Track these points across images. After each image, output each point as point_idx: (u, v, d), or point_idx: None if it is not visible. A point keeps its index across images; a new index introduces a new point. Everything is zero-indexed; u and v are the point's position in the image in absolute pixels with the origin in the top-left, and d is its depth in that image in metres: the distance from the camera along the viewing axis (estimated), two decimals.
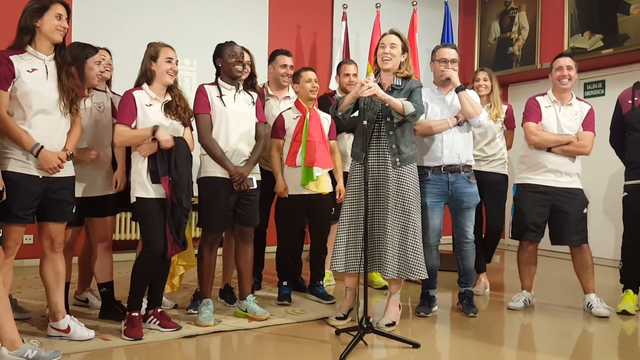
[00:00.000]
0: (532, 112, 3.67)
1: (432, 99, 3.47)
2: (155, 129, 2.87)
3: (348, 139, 4.02)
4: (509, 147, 4.20)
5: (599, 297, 3.61)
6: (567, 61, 3.63)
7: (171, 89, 3.05)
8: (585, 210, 3.62)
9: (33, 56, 2.63)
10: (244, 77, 3.56)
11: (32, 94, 2.58)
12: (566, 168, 3.59)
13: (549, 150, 3.59)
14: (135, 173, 2.93)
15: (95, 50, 3.19)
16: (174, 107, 3.00)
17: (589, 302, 3.60)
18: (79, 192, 2.97)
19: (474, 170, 3.53)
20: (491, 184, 3.98)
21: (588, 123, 3.61)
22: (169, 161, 2.87)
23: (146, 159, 2.89)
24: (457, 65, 3.46)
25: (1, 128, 2.54)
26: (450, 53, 3.45)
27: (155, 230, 2.89)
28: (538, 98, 3.72)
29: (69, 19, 2.70)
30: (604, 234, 5.42)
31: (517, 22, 6.40)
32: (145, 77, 3.00)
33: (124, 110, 2.92)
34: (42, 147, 2.57)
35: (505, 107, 4.11)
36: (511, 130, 4.17)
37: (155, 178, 2.86)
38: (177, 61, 3.04)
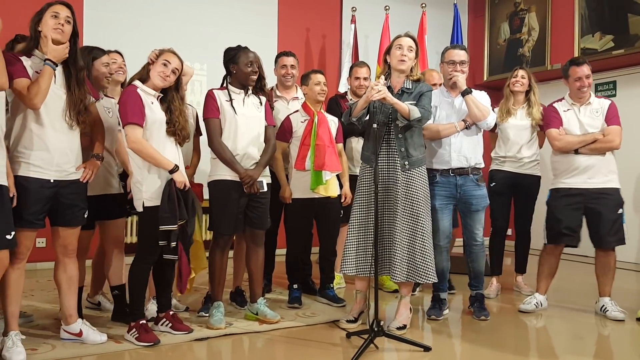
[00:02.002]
0: (552, 119, 3.64)
1: (441, 102, 3.46)
2: (175, 169, 2.85)
3: (357, 143, 4.02)
4: (540, 145, 4.14)
5: (613, 301, 3.57)
6: (585, 71, 3.55)
7: (170, 101, 2.94)
8: (620, 211, 3.54)
9: (40, 60, 2.63)
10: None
11: None
12: (598, 167, 3.52)
13: (576, 152, 3.53)
14: (143, 180, 2.85)
15: (102, 52, 3.20)
16: (173, 122, 2.91)
17: (603, 306, 3.57)
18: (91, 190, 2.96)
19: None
20: (523, 187, 3.97)
21: (611, 117, 3.53)
22: (186, 205, 2.87)
23: (151, 169, 2.85)
24: (466, 66, 3.45)
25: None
26: (460, 55, 3.44)
27: (154, 237, 2.87)
28: (555, 104, 3.69)
29: (74, 20, 2.68)
30: (629, 236, 5.33)
31: (527, 23, 6.37)
32: (144, 71, 2.94)
33: (134, 108, 2.81)
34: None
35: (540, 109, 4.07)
36: (544, 132, 4.12)
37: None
38: (177, 69, 2.92)
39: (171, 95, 2.97)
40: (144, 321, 2.91)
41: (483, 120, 3.35)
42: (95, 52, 3.17)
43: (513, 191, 3.70)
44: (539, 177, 4.08)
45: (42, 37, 2.62)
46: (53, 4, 2.65)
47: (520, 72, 4.09)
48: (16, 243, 2.50)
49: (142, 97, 2.86)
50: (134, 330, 2.87)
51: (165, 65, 2.89)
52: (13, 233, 2.45)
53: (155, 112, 2.88)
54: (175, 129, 2.92)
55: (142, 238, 2.97)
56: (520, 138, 3.97)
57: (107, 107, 3.19)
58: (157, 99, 2.92)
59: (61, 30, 2.63)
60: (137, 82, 2.92)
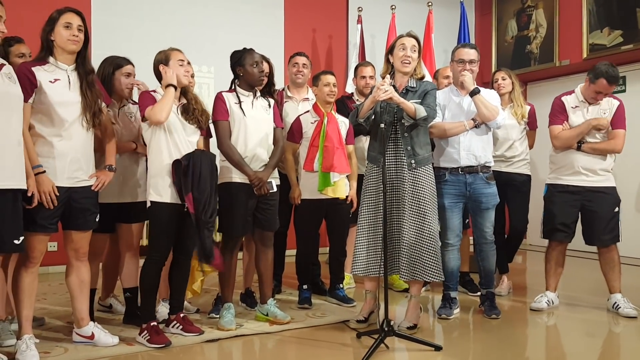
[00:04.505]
0: (556, 115, 3.62)
1: (450, 101, 3.45)
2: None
3: (365, 141, 4.01)
4: (530, 146, 4.16)
5: (625, 297, 3.55)
6: (610, 90, 3.48)
7: (185, 92, 3.04)
8: (616, 210, 3.55)
9: (55, 67, 2.67)
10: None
11: (56, 104, 2.62)
12: (597, 167, 3.52)
13: (578, 148, 3.52)
14: (151, 176, 2.92)
15: (126, 61, 3.21)
16: (192, 110, 2.99)
17: (615, 302, 3.54)
18: (107, 198, 3.00)
19: (496, 172, 3.50)
20: (515, 185, 3.97)
21: (617, 120, 3.52)
22: (192, 178, 2.85)
23: (164, 164, 2.88)
24: (476, 65, 3.43)
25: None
26: (469, 53, 3.42)
27: (163, 236, 2.89)
28: (564, 98, 3.65)
29: (85, 26, 2.71)
30: (636, 231, 5.31)
31: (534, 20, 6.33)
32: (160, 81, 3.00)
33: (151, 101, 2.89)
34: (44, 171, 2.59)
35: (528, 108, 4.07)
36: (533, 131, 4.14)
37: (180, 195, 2.87)
38: (189, 62, 3.03)
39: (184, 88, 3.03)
40: (155, 323, 2.92)
41: (492, 120, 3.33)
42: (119, 61, 3.19)
43: (504, 190, 3.70)
44: (529, 176, 4.07)
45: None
46: (64, 12, 2.67)
47: (500, 75, 4.09)
48: (24, 248, 2.53)
49: (156, 98, 2.91)
50: (145, 332, 2.88)
51: (181, 65, 2.96)
52: (22, 238, 2.49)
53: (169, 117, 2.92)
54: (196, 116, 2.99)
55: (150, 236, 2.99)
56: (509, 137, 3.97)
57: (130, 113, 3.22)
58: (178, 107, 2.96)
59: (76, 41, 2.67)
60: (158, 89, 2.98)
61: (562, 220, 3.58)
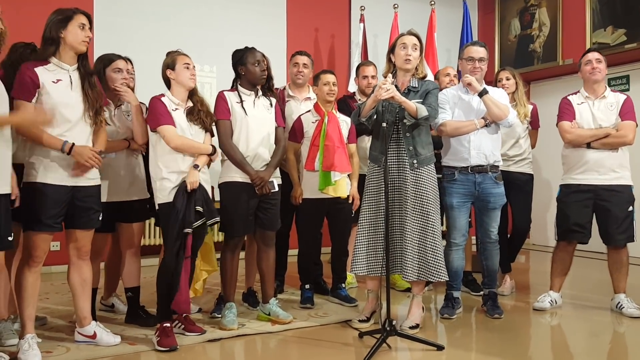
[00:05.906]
0: (565, 111, 3.60)
1: (459, 99, 3.42)
2: (195, 166, 2.95)
3: (368, 141, 4.00)
4: (533, 146, 4.16)
5: (628, 297, 3.53)
6: (595, 54, 3.56)
7: (192, 95, 3.08)
8: (630, 208, 3.51)
9: (57, 67, 2.68)
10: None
11: (59, 105, 2.63)
12: (609, 163, 3.47)
13: (588, 146, 3.49)
14: (155, 179, 2.95)
15: (117, 57, 3.21)
16: (196, 112, 3.03)
17: (619, 302, 3.52)
18: (108, 196, 3.01)
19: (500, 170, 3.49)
20: (517, 184, 3.95)
21: (626, 112, 3.49)
22: (184, 216, 2.86)
23: (162, 163, 2.92)
24: (485, 64, 3.42)
25: (32, 138, 2.60)
26: (479, 51, 3.41)
27: (174, 235, 2.89)
28: (570, 97, 3.64)
29: (91, 28, 2.74)
30: None
31: (537, 19, 6.31)
32: (168, 84, 3.05)
33: (163, 113, 2.93)
34: (73, 144, 2.62)
35: (530, 107, 4.07)
36: (535, 130, 4.14)
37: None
38: (194, 66, 3.07)
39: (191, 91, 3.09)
40: (168, 324, 2.90)
41: (504, 118, 3.31)
42: (110, 56, 3.19)
43: (507, 190, 3.70)
44: (531, 175, 4.06)
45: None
46: (77, 12, 2.70)
47: (504, 74, 4.07)
48: (13, 245, 2.57)
49: (166, 104, 2.97)
50: (158, 332, 2.88)
51: (187, 68, 3.00)
52: (13, 235, 2.54)
53: (177, 119, 2.96)
54: (201, 117, 3.03)
55: (163, 236, 3.02)
56: (512, 136, 3.95)
57: (127, 112, 3.22)
58: (184, 110, 3.01)
59: (87, 43, 2.71)
60: (166, 92, 3.03)
61: (576, 221, 3.53)
